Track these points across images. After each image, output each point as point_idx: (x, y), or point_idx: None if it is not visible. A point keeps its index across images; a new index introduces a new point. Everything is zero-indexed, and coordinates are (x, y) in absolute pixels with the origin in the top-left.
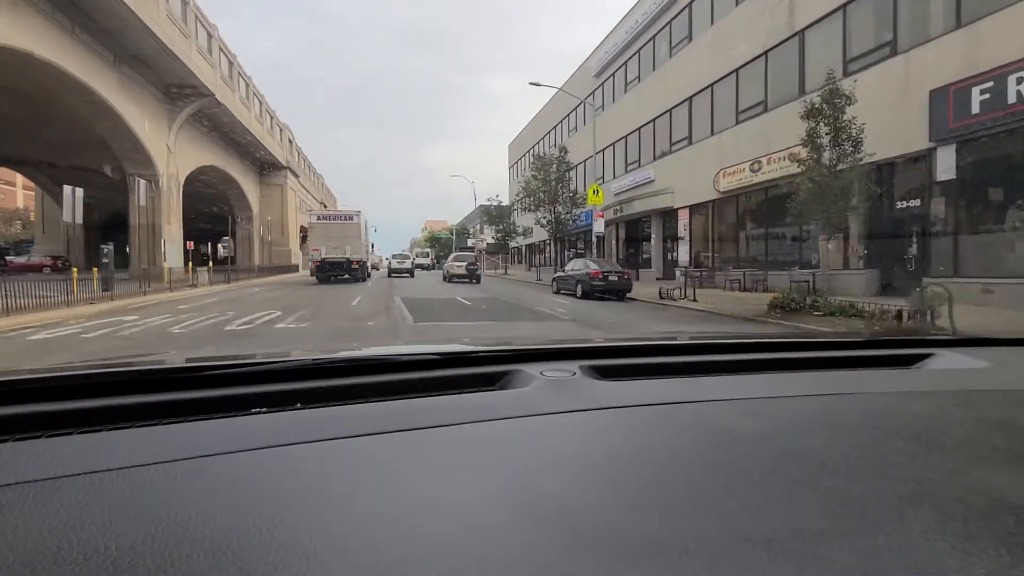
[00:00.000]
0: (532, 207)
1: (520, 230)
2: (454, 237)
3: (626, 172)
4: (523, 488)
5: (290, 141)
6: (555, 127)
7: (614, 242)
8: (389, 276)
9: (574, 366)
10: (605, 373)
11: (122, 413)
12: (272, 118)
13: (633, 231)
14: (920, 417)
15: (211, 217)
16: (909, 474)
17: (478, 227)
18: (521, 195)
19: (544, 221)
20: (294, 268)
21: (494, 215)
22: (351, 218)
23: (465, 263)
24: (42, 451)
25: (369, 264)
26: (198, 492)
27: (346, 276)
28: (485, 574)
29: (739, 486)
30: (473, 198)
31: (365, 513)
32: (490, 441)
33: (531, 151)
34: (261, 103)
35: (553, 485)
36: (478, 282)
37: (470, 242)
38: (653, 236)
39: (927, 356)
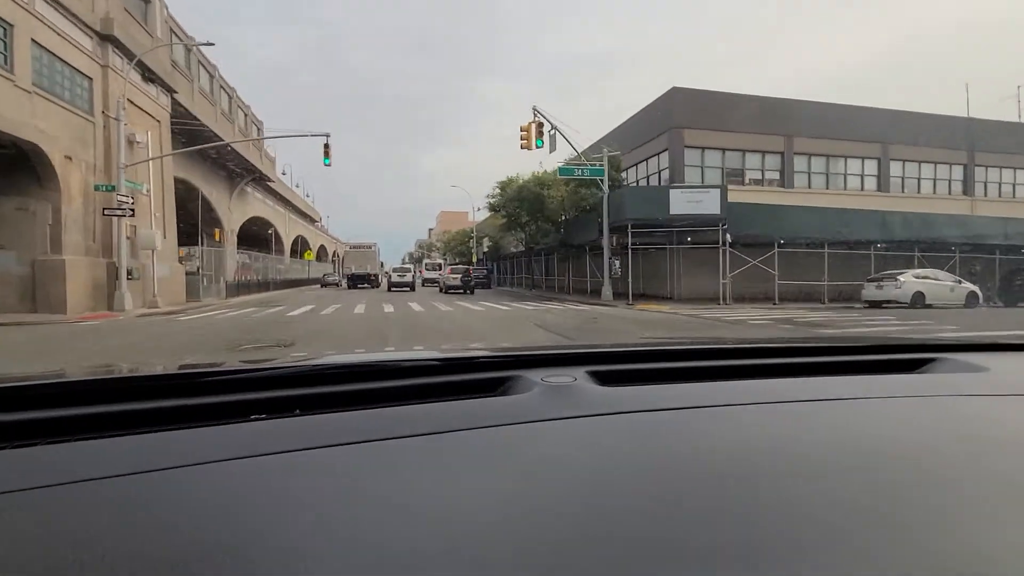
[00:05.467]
0: None
1: None
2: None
3: None
4: (524, 494)
5: None
6: None
7: None
8: (389, 290)
9: (575, 372)
10: (606, 379)
11: (119, 420)
12: None
13: None
14: (923, 424)
15: None
16: (913, 481)
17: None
18: None
19: None
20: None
21: None
22: (371, 247)
23: (460, 275)
24: (39, 458)
25: (381, 277)
26: (196, 499)
27: (366, 285)
28: None
29: (740, 493)
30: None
31: (365, 520)
32: (491, 447)
33: None
34: None
35: (554, 491)
36: (472, 293)
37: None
38: None
39: (930, 361)
